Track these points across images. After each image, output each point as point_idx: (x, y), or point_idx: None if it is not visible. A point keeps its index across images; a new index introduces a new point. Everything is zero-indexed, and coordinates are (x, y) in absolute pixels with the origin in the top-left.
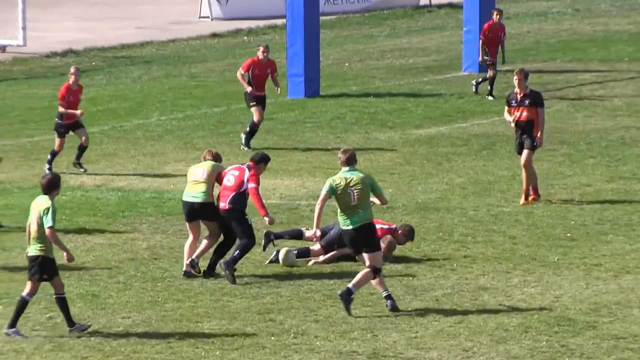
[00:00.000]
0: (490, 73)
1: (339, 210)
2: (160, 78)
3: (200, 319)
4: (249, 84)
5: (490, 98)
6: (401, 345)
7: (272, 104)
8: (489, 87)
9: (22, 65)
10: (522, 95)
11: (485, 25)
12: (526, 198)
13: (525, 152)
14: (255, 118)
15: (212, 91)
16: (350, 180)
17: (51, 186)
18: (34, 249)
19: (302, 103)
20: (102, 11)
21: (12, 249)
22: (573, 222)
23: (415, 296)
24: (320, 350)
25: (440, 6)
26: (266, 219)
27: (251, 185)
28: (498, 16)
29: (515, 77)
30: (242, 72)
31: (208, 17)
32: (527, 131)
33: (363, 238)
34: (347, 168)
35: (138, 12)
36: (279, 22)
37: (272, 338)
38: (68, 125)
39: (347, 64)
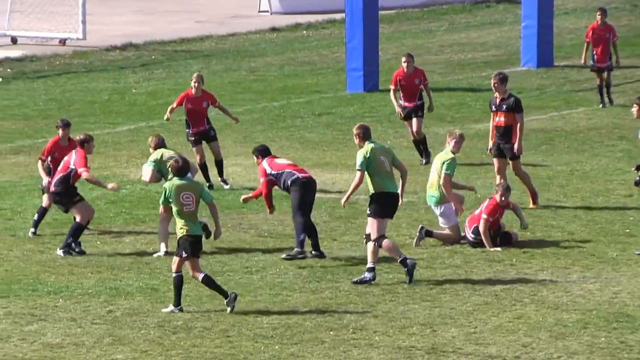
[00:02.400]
0: (597, 80)
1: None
2: (220, 72)
3: (259, 313)
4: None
5: (602, 106)
6: (460, 340)
7: (331, 98)
8: (598, 96)
9: (82, 59)
10: (500, 99)
11: (589, 27)
12: (534, 201)
13: (510, 163)
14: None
15: (271, 85)
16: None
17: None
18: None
19: (361, 97)
20: (161, 5)
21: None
22: (632, 217)
23: (474, 291)
24: (379, 345)
25: (498, 1)
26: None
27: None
28: (601, 16)
29: (492, 81)
30: (392, 88)
31: (267, 11)
32: (506, 137)
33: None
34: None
35: (197, 6)
36: (338, 16)
37: (331, 333)
38: (197, 134)
39: None
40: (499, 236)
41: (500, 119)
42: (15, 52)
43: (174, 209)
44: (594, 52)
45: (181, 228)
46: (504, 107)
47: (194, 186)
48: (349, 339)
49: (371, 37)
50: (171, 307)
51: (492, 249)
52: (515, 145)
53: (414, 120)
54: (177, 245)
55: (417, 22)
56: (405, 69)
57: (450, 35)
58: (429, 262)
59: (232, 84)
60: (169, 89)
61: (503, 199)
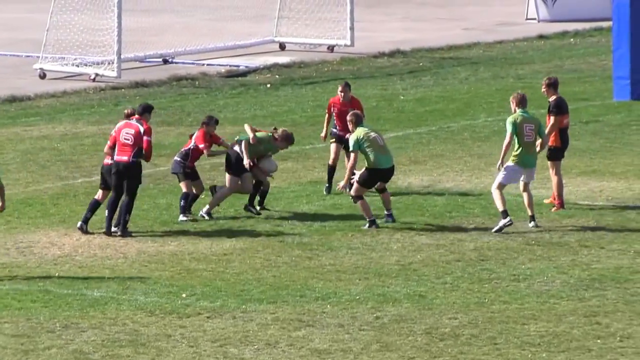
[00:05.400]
0: None
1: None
2: (487, 79)
3: (526, 320)
4: None
5: None
6: None
7: (598, 106)
8: None
9: (350, 65)
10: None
11: None
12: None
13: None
14: None
15: (539, 93)
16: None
17: None
18: None
19: (627, 105)
20: (429, 12)
21: (339, 248)
22: None
23: None
24: None
25: None
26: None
27: (146, 138)
28: None
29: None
30: (327, 116)
31: (535, 18)
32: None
33: None
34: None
35: (465, 13)
36: (605, 24)
37: (598, 341)
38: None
39: None
40: None
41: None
42: (283, 59)
43: None
44: None
45: None
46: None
47: None
48: (615, 348)
49: (638, 45)
50: None
51: None
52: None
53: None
54: None
55: None
56: (341, 98)
57: None
58: None
59: (499, 91)
60: (437, 95)
61: None
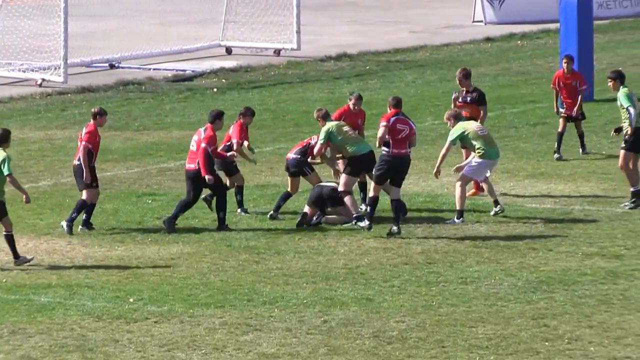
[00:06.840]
0: (560, 127)
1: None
2: (434, 82)
3: (474, 323)
4: None
5: (556, 156)
6: None
7: (546, 108)
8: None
9: (297, 69)
10: (465, 92)
11: (555, 75)
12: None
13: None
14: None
15: (487, 95)
16: None
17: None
18: None
19: None
20: (376, 15)
21: (286, 252)
22: None
23: None
24: (594, 356)
25: None
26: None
27: (202, 145)
28: (567, 63)
29: (457, 76)
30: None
31: (481, 21)
32: None
33: None
34: None
35: (411, 16)
36: (552, 26)
37: (546, 343)
38: None
39: (620, 69)
40: None
41: (465, 110)
42: (229, 63)
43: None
44: (563, 101)
45: None
46: (468, 99)
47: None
48: (564, 350)
49: (586, 47)
50: None
51: None
52: None
53: None
54: None
55: (631, 32)
56: (351, 108)
57: None
58: None
59: (446, 95)
60: (384, 99)
61: None
